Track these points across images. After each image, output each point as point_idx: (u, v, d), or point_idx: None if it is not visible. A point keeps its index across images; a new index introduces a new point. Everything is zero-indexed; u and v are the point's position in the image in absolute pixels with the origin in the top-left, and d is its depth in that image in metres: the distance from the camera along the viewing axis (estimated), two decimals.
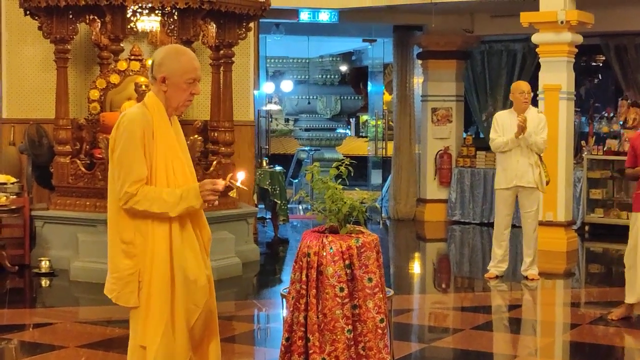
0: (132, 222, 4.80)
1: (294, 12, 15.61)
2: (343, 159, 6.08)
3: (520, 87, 10.92)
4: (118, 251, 4.84)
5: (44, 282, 10.99)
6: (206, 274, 4.93)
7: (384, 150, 19.73)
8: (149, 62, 11.97)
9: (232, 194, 4.97)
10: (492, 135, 10.96)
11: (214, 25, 11.65)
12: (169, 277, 4.80)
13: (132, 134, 4.74)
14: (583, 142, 15.82)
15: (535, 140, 10.68)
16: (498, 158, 11.11)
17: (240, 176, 4.89)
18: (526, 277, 11.06)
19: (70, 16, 11.15)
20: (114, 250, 4.87)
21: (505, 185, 10.88)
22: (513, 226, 11.30)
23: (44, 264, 11.09)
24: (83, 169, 11.40)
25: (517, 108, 10.82)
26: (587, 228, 15.27)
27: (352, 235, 5.82)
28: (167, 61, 4.86)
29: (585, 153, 15.45)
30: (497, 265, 11.15)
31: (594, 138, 15.79)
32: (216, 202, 4.89)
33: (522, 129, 10.53)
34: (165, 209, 4.74)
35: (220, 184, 4.82)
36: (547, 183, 11.04)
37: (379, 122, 20.70)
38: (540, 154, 10.86)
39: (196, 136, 11.61)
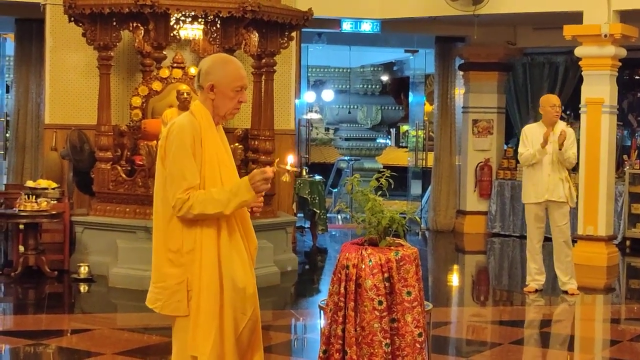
0: (180, 230, 4.80)
1: (337, 22, 15.61)
2: (383, 170, 6.05)
3: (551, 100, 10.83)
4: (164, 260, 4.83)
5: (83, 287, 11.04)
6: (253, 283, 4.93)
7: (424, 161, 19.69)
8: (192, 70, 12.15)
9: (285, 178, 4.94)
10: (520, 149, 10.86)
11: (257, 34, 11.67)
12: (217, 286, 4.79)
13: (182, 142, 4.75)
14: (625, 156, 15.68)
15: (568, 155, 10.60)
16: (526, 172, 10.98)
17: (290, 159, 4.87)
18: (566, 292, 10.96)
19: (114, 23, 11.22)
20: (159, 260, 4.86)
21: (535, 199, 10.79)
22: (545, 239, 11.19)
23: (83, 270, 11.15)
24: (124, 175, 11.45)
25: (547, 121, 10.74)
26: (628, 243, 15.13)
27: (392, 248, 5.78)
28: (215, 70, 4.87)
29: (627, 167, 15.32)
30: (535, 278, 11.06)
31: (636, 152, 15.65)
32: (260, 202, 4.90)
33: (561, 141, 10.45)
34: (219, 208, 4.73)
35: (269, 171, 4.81)
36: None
37: (419, 133, 20.65)
38: (570, 168, 10.78)
39: (237, 144, 11.63)
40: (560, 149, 10.50)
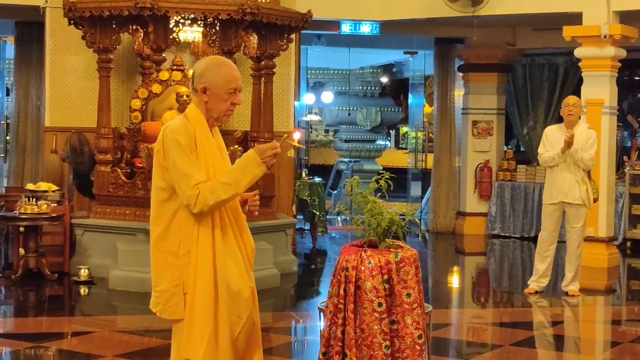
0: (176, 233, 4.80)
1: (336, 24, 15.61)
2: (383, 172, 6.05)
3: (567, 100, 10.83)
4: (162, 264, 4.83)
5: (83, 290, 11.04)
6: (250, 286, 4.92)
7: (423, 162, 19.69)
8: (191, 72, 12.14)
9: (290, 153, 4.98)
10: (540, 149, 10.85)
11: (256, 36, 11.67)
12: (212, 289, 4.79)
13: (178, 143, 4.74)
14: (625, 157, 15.67)
15: (582, 156, 10.53)
16: (546, 173, 11.02)
17: (296, 136, 4.88)
18: (567, 293, 10.95)
19: (114, 26, 11.22)
20: (157, 264, 4.86)
21: (550, 200, 10.78)
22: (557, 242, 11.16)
23: (83, 272, 11.15)
24: (123, 177, 11.45)
25: (566, 122, 10.73)
26: (628, 244, 15.12)
27: (391, 249, 5.78)
28: (208, 72, 4.87)
29: (628, 168, 15.31)
30: (538, 280, 11.04)
31: (636, 153, 15.64)
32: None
33: (568, 144, 10.40)
34: (232, 191, 4.73)
35: (278, 146, 4.82)
36: (595, 200, 10.91)
37: (419, 134, 20.67)
38: (587, 170, 10.73)
39: (236, 146, 11.61)
40: (569, 149, 10.45)
